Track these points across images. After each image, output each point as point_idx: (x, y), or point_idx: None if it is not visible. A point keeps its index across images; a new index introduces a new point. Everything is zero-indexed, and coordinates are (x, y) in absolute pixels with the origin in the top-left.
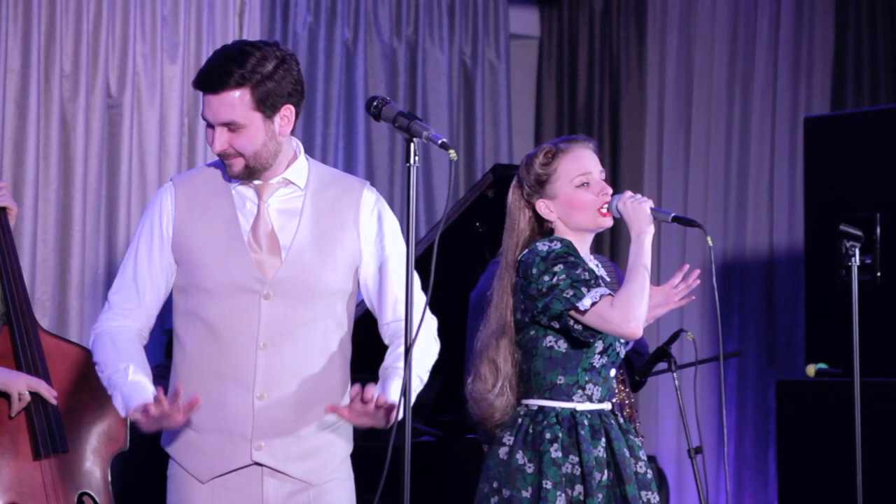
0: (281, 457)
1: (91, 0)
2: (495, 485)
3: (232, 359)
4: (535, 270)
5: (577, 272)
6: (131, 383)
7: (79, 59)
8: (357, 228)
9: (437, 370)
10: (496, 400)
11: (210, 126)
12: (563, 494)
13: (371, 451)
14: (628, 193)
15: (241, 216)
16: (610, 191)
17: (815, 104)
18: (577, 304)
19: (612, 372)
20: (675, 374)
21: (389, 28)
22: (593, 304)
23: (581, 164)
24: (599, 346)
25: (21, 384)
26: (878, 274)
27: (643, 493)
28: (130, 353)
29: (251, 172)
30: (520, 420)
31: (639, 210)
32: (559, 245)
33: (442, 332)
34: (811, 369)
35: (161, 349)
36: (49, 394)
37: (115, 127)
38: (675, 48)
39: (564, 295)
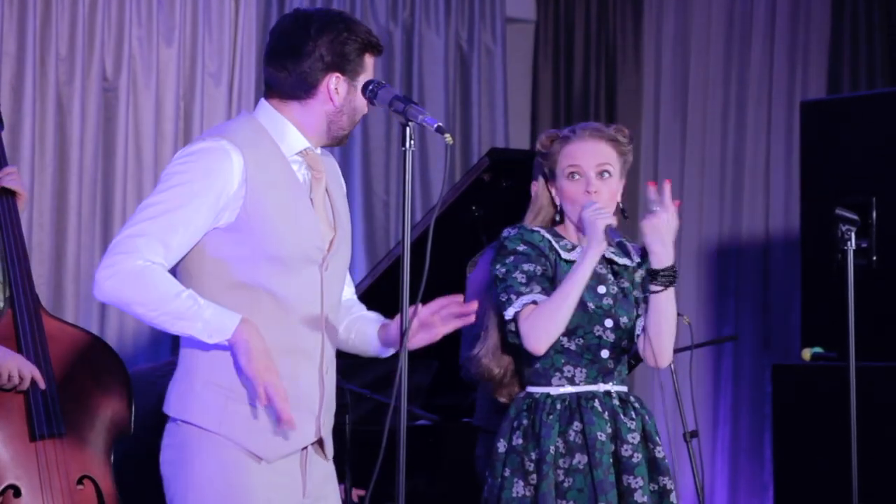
0: (328, 432)
1: None
2: (486, 472)
3: (302, 332)
4: (496, 255)
5: (515, 275)
6: (209, 306)
7: (74, 42)
8: (346, 200)
9: (432, 354)
10: (486, 360)
11: (356, 89)
12: (521, 482)
13: (367, 434)
14: (597, 205)
15: (303, 186)
16: (594, 191)
17: (811, 88)
18: (504, 313)
19: (604, 353)
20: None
21: (385, 12)
22: (515, 314)
23: (573, 154)
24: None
25: (12, 365)
26: (874, 258)
27: (626, 477)
28: (178, 284)
29: None
30: (511, 407)
31: (593, 225)
32: (515, 232)
33: None
34: (807, 353)
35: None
36: (39, 383)
37: (111, 110)
38: (671, 32)
39: (500, 297)
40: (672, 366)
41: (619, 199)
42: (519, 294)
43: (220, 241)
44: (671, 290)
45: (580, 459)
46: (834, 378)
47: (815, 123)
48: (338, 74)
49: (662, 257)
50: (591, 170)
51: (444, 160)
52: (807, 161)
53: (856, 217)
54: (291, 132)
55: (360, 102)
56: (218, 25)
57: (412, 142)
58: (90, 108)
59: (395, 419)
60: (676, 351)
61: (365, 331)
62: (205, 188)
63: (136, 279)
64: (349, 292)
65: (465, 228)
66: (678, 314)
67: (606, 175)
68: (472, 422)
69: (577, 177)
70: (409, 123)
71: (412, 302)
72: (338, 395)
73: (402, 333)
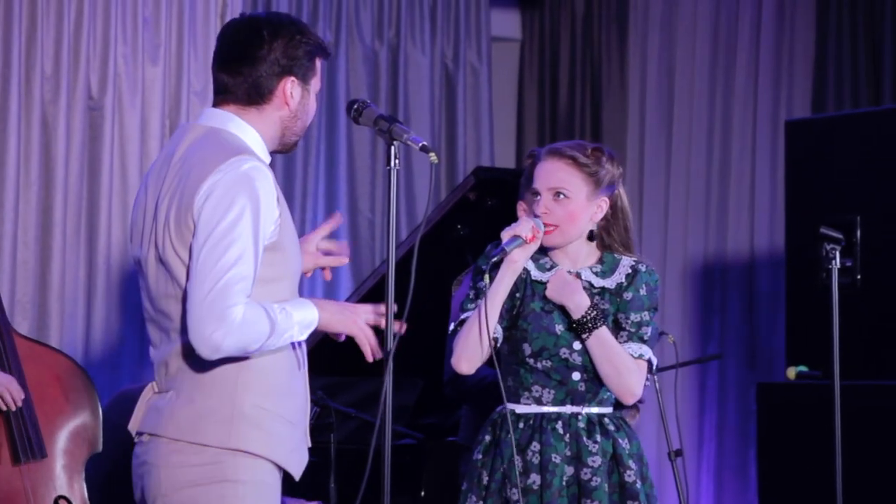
0: None
1: (72, 2)
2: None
3: (302, 347)
4: None
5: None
6: (292, 307)
7: (60, 60)
8: None
9: (417, 373)
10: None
11: (309, 93)
12: (474, 497)
13: (352, 453)
14: (522, 218)
15: None
16: (543, 212)
17: (795, 107)
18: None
19: (576, 375)
20: (655, 377)
21: (371, 30)
22: (451, 331)
23: (535, 176)
24: (527, 349)
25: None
26: (859, 277)
27: (584, 500)
28: (265, 306)
29: None
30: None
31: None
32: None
33: (422, 336)
34: (791, 372)
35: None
36: (17, 396)
37: (96, 129)
38: (656, 50)
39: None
40: (657, 384)
41: (593, 219)
42: (464, 310)
43: (263, 265)
44: (598, 333)
45: (535, 480)
46: (819, 397)
47: (799, 142)
48: (293, 78)
49: (573, 310)
50: (545, 191)
51: (429, 179)
52: (791, 179)
53: (840, 236)
54: (260, 143)
55: (312, 107)
56: (203, 44)
57: (397, 161)
58: (75, 126)
59: (380, 438)
60: (662, 370)
61: None
62: (263, 213)
63: (248, 325)
64: None
65: (450, 247)
66: (663, 332)
67: (562, 196)
68: (456, 440)
69: (537, 198)
70: (394, 142)
71: (397, 320)
72: (323, 414)
73: (387, 354)
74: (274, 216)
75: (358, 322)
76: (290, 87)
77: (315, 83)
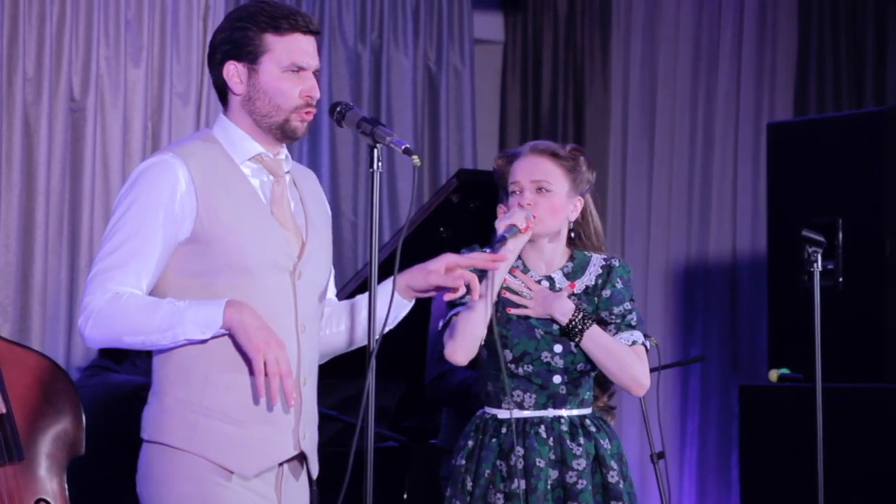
0: (311, 448)
1: (54, 3)
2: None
3: None
4: None
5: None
6: (190, 304)
7: (42, 62)
8: (328, 214)
9: (399, 376)
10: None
11: (299, 70)
12: (458, 501)
13: (333, 455)
14: (515, 209)
15: (258, 191)
16: (527, 203)
17: (777, 110)
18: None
19: (556, 379)
20: None
21: (353, 32)
22: (444, 326)
23: (514, 172)
24: (509, 355)
25: None
26: (840, 280)
27: (570, 503)
28: (153, 299)
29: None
30: (467, 427)
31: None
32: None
33: (404, 338)
34: (774, 374)
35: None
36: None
37: (79, 131)
38: (639, 53)
39: None
40: None
41: (569, 218)
42: (453, 306)
43: (184, 257)
44: (589, 333)
45: (519, 484)
46: (801, 399)
47: (781, 145)
48: (234, 62)
49: (560, 318)
50: (528, 185)
51: (412, 181)
52: (773, 182)
53: (822, 238)
54: (242, 138)
55: (273, 83)
56: (186, 45)
57: (380, 163)
58: (57, 128)
59: (362, 440)
60: None
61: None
62: (154, 204)
63: (111, 314)
64: (330, 295)
65: (433, 250)
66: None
67: (544, 190)
68: (437, 443)
69: (517, 193)
70: (377, 145)
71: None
72: None
73: (370, 355)
74: (178, 209)
75: (273, 348)
76: (231, 71)
77: (269, 59)
